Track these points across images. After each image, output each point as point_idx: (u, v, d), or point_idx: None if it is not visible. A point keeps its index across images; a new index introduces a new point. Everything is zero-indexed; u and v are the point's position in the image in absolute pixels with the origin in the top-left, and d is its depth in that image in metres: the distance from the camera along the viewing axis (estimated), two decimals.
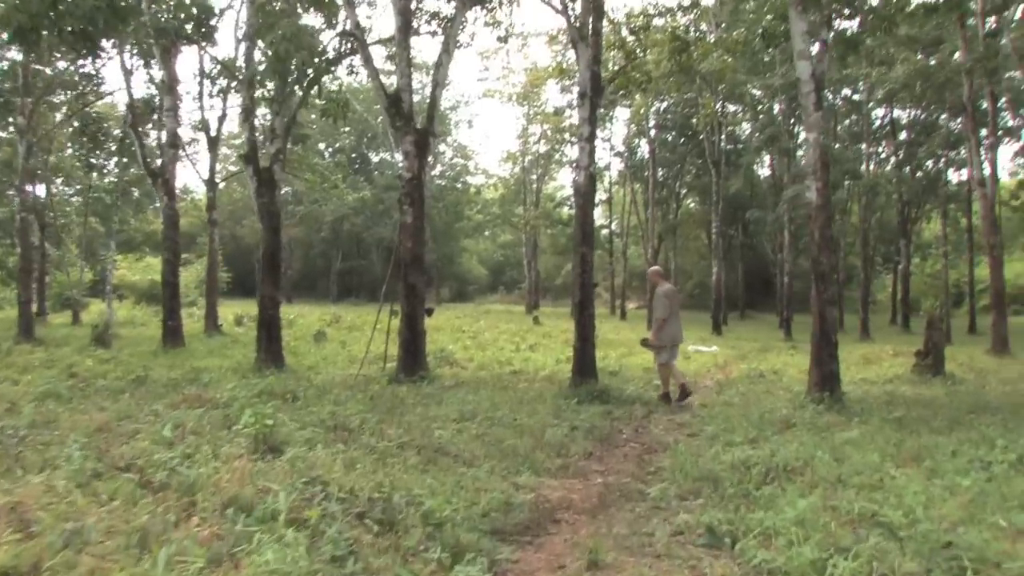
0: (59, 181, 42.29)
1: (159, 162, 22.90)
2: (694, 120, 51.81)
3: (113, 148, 29.85)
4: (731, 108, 47.56)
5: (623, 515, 6.33)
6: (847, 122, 47.80)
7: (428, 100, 16.36)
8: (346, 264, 76.21)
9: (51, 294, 39.15)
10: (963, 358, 22.01)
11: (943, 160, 47.40)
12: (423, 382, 14.13)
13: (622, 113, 56.66)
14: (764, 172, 58.36)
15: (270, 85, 17.12)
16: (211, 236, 30.93)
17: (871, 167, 45.34)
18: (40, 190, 35.27)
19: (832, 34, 13.15)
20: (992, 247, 28.44)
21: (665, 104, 54.49)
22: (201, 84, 29.52)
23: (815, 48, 12.34)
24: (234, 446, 7.17)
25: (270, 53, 14.00)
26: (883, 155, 48.70)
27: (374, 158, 78.31)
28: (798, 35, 12.17)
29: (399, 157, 15.69)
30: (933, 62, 34.35)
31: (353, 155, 77.59)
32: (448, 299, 78.48)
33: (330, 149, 75.08)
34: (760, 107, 47.97)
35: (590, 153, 14.01)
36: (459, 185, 78.43)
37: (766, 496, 6.28)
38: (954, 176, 48.18)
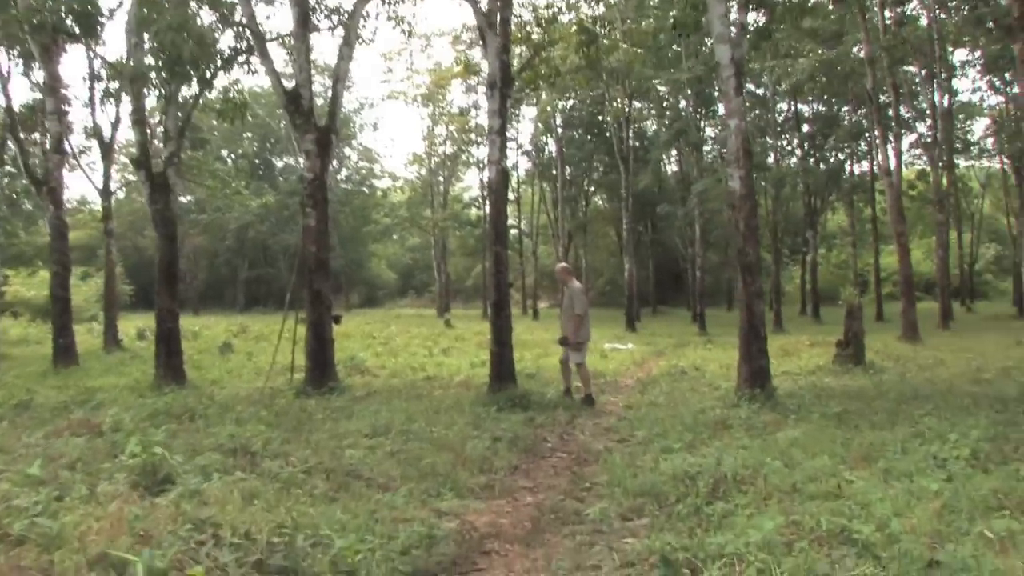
0: None
1: (45, 169, 21.52)
2: (601, 117, 51.85)
3: None
4: (637, 105, 47.37)
5: (561, 542, 5.63)
6: (752, 116, 48.00)
7: (330, 97, 15.50)
8: (253, 272, 74.64)
9: None
10: (878, 346, 21.91)
11: (846, 152, 48.21)
12: (333, 394, 13.34)
13: (528, 112, 56.33)
14: (671, 168, 58.71)
15: (160, 84, 16.05)
16: (108, 247, 29.56)
17: (777, 160, 45.71)
18: None
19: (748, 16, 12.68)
20: (899, 235, 28.63)
21: (572, 102, 54.44)
22: (92, 87, 28.14)
23: (733, 31, 11.84)
24: (115, 482, 6.27)
25: (155, 46, 12.97)
26: (788, 148, 49.13)
27: (278, 163, 76.79)
28: (716, 18, 11.66)
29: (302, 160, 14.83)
30: (835, 54, 34.42)
31: (256, 161, 75.97)
32: (357, 305, 77.34)
33: (232, 155, 73.30)
34: (666, 103, 48.10)
35: (501, 147, 13.30)
36: (365, 189, 77.43)
37: (719, 513, 5.62)
38: (856, 167, 49.13)
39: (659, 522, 5.76)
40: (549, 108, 50.07)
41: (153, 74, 15.17)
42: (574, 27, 20.74)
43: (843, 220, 59.23)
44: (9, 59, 22.98)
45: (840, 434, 8.31)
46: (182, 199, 68.61)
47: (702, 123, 46.55)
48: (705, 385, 14.78)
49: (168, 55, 12.63)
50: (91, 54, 24.95)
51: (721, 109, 50.65)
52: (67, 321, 20.40)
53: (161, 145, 16.70)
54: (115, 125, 29.04)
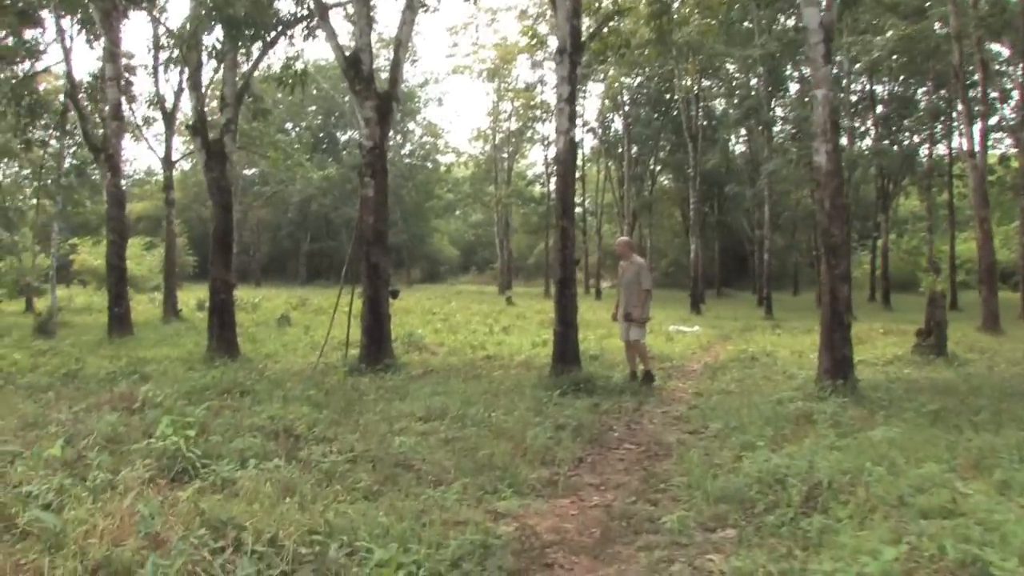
0: (5, 162, 40.50)
1: (104, 135, 21.19)
2: (669, 96, 50.98)
3: (52, 123, 27.87)
4: (706, 83, 46.25)
5: (635, 556, 4.88)
6: None
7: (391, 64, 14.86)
8: (315, 245, 74.85)
9: (5, 281, 37.36)
10: (958, 336, 20.80)
11: (923, 134, 46.61)
12: (388, 372, 12.80)
13: (595, 88, 55.45)
14: (739, 149, 57.50)
15: (215, 49, 15.53)
16: (168, 218, 29.38)
17: (851, 141, 44.25)
18: None
19: None
20: (982, 220, 27.33)
21: (639, 79, 53.54)
22: (156, 56, 27.85)
23: None
24: (139, 468, 5.73)
25: (209, 4, 12.40)
26: (861, 129, 47.54)
27: (342, 137, 76.43)
28: None
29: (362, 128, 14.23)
30: (919, 29, 32.96)
31: (321, 135, 75.88)
32: (419, 280, 77.07)
33: (296, 128, 73.29)
34: (736, 81, 46.97)
35: (570, 116, 12.53)
36: (428, 164, 76.97)
37: (817, 528, 4.82)
38: (932, 150, 47.47)
39: (747, 536, 4.99)
40: (616, 84, 49.04)
41: (209, 37, 14.63)
42: None
43: (915, 205, 57.59)
44: (71, 24, 22.70)
45: (942, 436, 7.45)
46: (246, 172, 69.22)
47: (773, 102, 45.25)
48: (779, 373, 13.94)
49: (221, 13, 12.06)
50: (155, 21, 24.62)
51: (792, 89, 50.10)
52: (122, 290, 20.11)
53: (218, 111, 16.15)
54: (178, 95, 28.67)
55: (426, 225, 79.35)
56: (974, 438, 7.31)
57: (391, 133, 58.73)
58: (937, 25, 31.75)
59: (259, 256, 73.22)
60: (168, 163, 29.51)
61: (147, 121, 30.75)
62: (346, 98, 68.11)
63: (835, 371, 10.48)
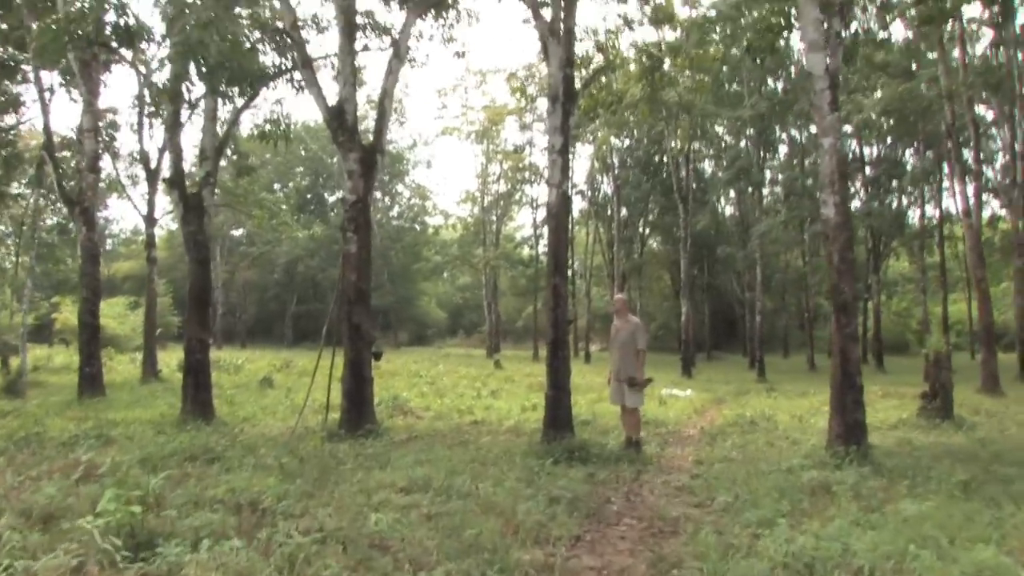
0: None
1: (79, 188, 20.50)
2: (658, 158, 50.97)
3: (29, 178, 27.27)
4: (696, 146, 46.07)
5: None
6: (808, 161, 46.56)
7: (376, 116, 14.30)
8: (302, 307, 74.07)
9: None
10: (959, 398, 20.13)
11: (911, 195, 46.55)
12: (369, 437, 12.05)
13: (584, 151, 55.33)
14: (727, 211, 57.37)
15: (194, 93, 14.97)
16: (150, 276, 28.83)
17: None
18: None
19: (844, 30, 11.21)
20: (979, 280, 26.89)
21: (628, 142, 53.55)
22: (140, 112, 27.39)
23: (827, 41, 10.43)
24: (69, 553, 4.98)
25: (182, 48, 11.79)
26: (850, 191, 47.35)
27: (329, 198, 76.13)
28: (809, 24, 10.22)
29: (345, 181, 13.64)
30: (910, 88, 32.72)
31: (308, 195, 75.64)
32: (406, 343, 76.24)
33: (283, 188, 72.97)
34: (724, 143, 46.89)
35: (563, 168, 11.94)
36: (417, 226, 76.64)
37: None
38: (923, 211, 47.35)
39: None
40: (605, 146, 48.78)
41: (188, 86, 14.04)
42: (636, 54, 19.62)
43: (904, 266, 57.45)
44: (51, 75, 22.15)
45: (980, 511, 6.77)
46: (234, 232, 68.75)
47: (763, 164, 45.11)
48: (782, 439, 13.25)
49: (195, 55, 11.45)
50: (138, 74, 24.14)
51: (782, 151, 49.99)
52: (95, 349, 19.38)
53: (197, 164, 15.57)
54: (161, 152, 28.11)
55: (413, 287, 78.70)
56: (1017, 513, 6.60)
57: (379, 194, 58.58)
58: (923, 86, 31.52)
59: (245, 317, 72.50)
60: (151, 221, 28.95)
61: (132, 179, 30.23)
62: (334, 159, 68.01)
63: (847, 436, 9.78)
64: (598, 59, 18.67)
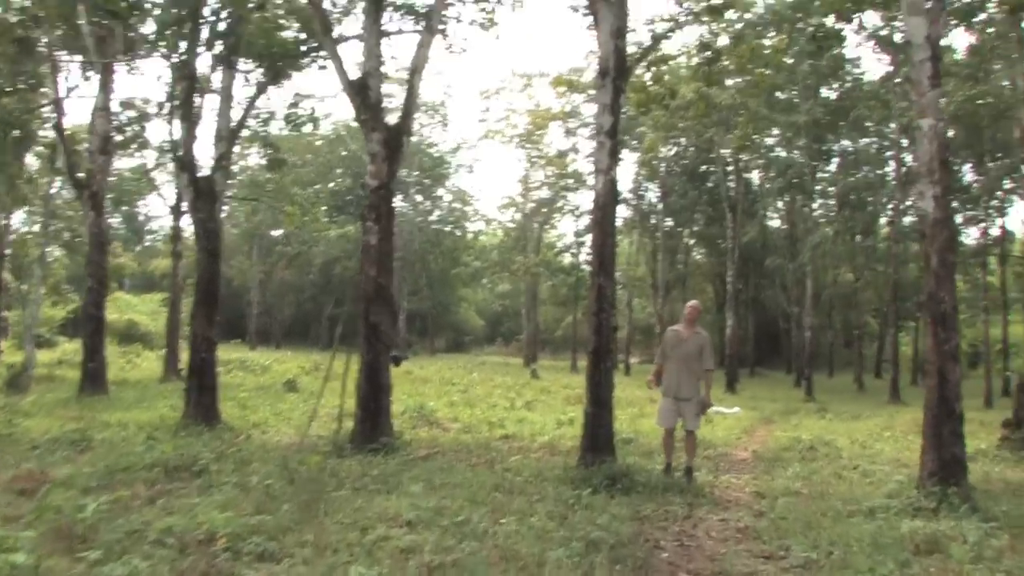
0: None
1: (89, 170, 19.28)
2: (705, 168, 49.64)
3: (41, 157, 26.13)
4: (744, 157, 44.45)
5: None
6: (864, 171, 44.66)
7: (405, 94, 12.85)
8: (339, 309, 73.03)
9: (14, 331, 35.59)
10: None
11: (968, 209, 44.57)
12: (382, 453, 10.67)
13: (629, 157, 53.92)
14: (774, 224, 55.71)
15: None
16: (175, 270, 27.60)
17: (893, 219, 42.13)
18: None
19: None
20: None
21: (675, 149, 52.17)
22: (171, 98, 26.30)
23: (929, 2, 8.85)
24: None
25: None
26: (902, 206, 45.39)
27: None
28: None
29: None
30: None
31: (348, 197, 74.65)
32: (443, 350, 75.16)
33: (319, 189, 72.25)
34: (773, 154, 45.22)
35: (612, 152, 10.41)
36: (457, 231, 75.39)
37: None
38: (987, 226, 45.44)
39: None
40: (652, 151, 47.16)
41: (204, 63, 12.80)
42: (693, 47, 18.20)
43: (960, 287, 55.33)
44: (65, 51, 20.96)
45: None
46: (273, 232, 67.87)
47: (816, 170, 43.37)
48: (849, 468, 11.69)
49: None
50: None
51: (833, 163, 48.09)
52: (99, 344, 18.20)
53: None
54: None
55: (452, 293, 77.50)
56: None
57: (420, 197, 57.43)
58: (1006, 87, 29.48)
59: (281, 318, 71.63)
60: (177, 212, 27.80)
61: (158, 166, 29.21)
62: None
63: (944, 474, 8.13)
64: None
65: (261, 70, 14.44)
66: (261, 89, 15.16)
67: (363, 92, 11.74)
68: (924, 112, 8.47)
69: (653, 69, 17.28)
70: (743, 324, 52.93)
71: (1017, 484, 10.44)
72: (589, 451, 9.97)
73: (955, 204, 41.96)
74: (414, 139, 69.47)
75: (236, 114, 15.05)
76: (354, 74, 12.01)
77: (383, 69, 12.43)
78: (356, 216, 69.52)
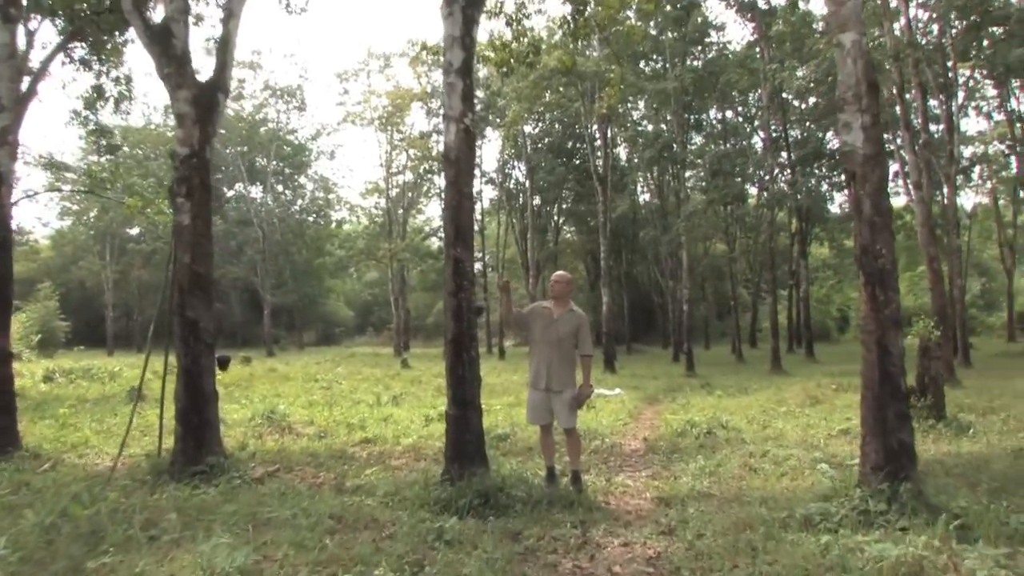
0: None
1: None
2: (571, 144, 48.82)
3: None
4: (610, 131, 43.51)
5: None
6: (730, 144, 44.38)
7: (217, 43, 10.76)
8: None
9: None
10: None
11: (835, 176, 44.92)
12: (208, 476, 8.72)
13: (493, 136, 52.57)
14: (643, 199, 55.30)
15: None
16: None
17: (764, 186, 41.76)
18: None
19: None
20: (932, 259, 24.05)
21: (540, 126, 51.33)
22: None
23: None
24: None
25: None
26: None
27: (228, 192, 72.00)
28: None
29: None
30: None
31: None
32: (313, 343, 72.64)
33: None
34: (640, 128, 44.46)
35: (464, 95, 8.41)
36: (321, 221, 72.98)
37: None
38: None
39: None
40: (516, 124, 45.62)
41: None
42: None
43: (825, 253, 55.90)
44: None
45: None
46: (130, 231, 64.28)
47: (688, 138, 42.73)
48: (758, 457, 10.19)
49: None
50: None
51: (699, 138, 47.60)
52: None
53: None
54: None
55: (319, 285, 74.96)
56: None
57: (280, 187, 54.87)
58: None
59: (142, 320, 68.21)
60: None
61: None
62: (227, 149, 64.11)
63: (893, 468, 6.54)
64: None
65: (53, 25, 12.17)
66: (54, 52, 12.88)
67: (165, 40, 9.66)
68: (845, 25, 6.89)
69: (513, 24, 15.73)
70: (617, 300, 52.00)
71: (939, 462, 9.14)
72: (454, 462, 8.03)
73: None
74: (271, 126, 66.97)
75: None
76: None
77: (193, 16, 10.40)
78: (215, 211, 66.68)
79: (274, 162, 66.97)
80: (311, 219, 72.90)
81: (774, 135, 38.53)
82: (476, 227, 58.75)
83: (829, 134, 43.33)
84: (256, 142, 66.25)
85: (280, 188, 71.62)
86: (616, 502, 8.05)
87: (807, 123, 44.34)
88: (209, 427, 9.51)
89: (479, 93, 49.36)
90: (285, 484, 8.80)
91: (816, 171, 45.54)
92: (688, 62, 38.64)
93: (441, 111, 51.36)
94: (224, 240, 62.59)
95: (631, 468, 10.20)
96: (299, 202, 73.76)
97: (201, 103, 9.73)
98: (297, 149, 69.41)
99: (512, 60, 16.18)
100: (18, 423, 11.74)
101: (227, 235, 62.51)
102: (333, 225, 73.17)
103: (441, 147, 51.81)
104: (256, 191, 69.74)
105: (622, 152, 52.27)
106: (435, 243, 62.72)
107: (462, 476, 7.79)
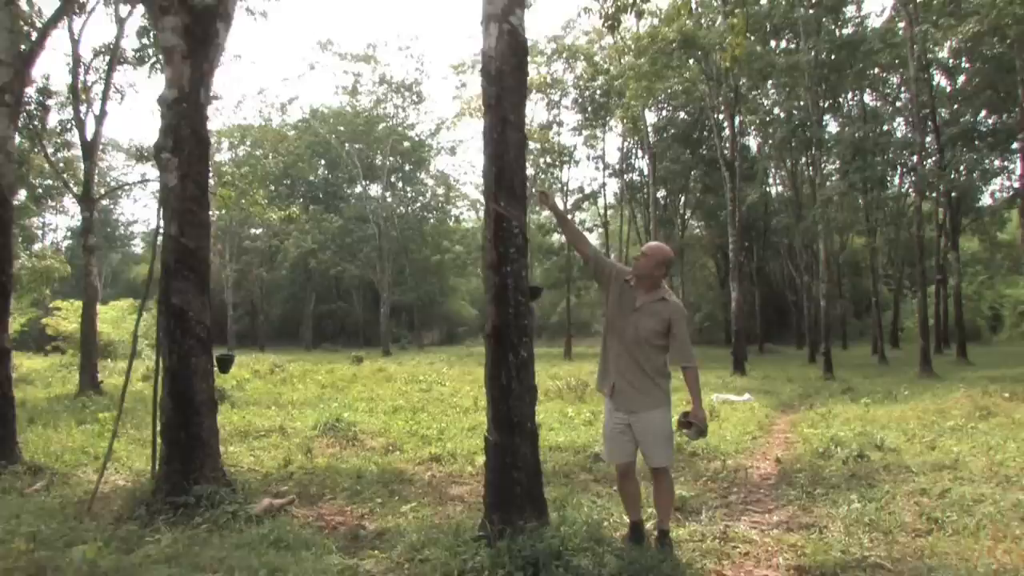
0: None
1: None
2: (697, 135, 46.22)
3: None
4: (738, 119, 40.59)
5: None
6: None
7: None
8: (324, 307, 70.00)
9: None
10: None
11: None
12: (187, 512, 6.61)
13: (614, 126, 50.60)
14: (774, 191, 52.58)
15: None
16: (87, 267, 23.06)
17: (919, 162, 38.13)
18: None
19: None
20: None
21: (664, 113, 49.01)
22: (75, 72, 22.36)
23: None
24: None
25: None
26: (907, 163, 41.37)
27: (348, 190, 71.62)
28: None
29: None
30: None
31: (329, 190, 71.60)
32: (436, 343, 71.68)
33: (302, 183, 69.28)
34: (768, 116, 41.52)
35: None
36: (443, 217, 72.16)
37: None
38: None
39: None
40: (636, 100, 42.73)
41: None
42: None
43: (974, 246, 51.75)
44: None
45: None
46: (254, 231, 63.98)
47: (824, 118, 39.38)
48: (936, 496, 7.44)
49: None
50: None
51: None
52: None
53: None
54: (100, 119, 23.03)
55: (441, 283, 73.71)
56: None
57: (401, 183, 53.19)
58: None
59: (267, 319, 68.18)
60: (88, 202, 23.37)
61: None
62: (345, 145, 63.30)
63: None
64: None
65: None
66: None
67: None
68: None
69: None
70: (748, 298, 48.84)
71: None
72: (496, 510, 5.50)
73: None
74: (389, 123, 65.58)
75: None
76: None
77: None
78: (333, 209, 66.04)
79: (391, 158, 65.83)
80: (431, 216, 71.88)
81: (923, 110, 34.74)
82: (598, 221, 56.98)
83: (981, 114, 39.59)
84: (373, 138, 65.12)
85: (400, 185, 70.76)
86: (733, 573, 5.51)
87: (956, 103, 40.37)
88: (200, 446, 7.31)
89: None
90: (289, 525, 6.55)
91: (966, 155, 41.51)
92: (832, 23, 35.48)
93: (561, 101, 49.43)
94: (340, 237, 61.86)
95: (758, 508, 7.62)
96: (419, 200, 72.80)
97: (195, 34, 7.54)
98: (416, 145, 68.19)
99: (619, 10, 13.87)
100: (16, 433, 9.92)
101: (342, 232, 61.79)
102: (452, 222, 71.80)
103: (560, 139, 49.73)
104: (375, 188, 68.82)
105: (752, 142, 49.67)
106: (556, 238, 60.62)
107: (504, 532, 5.29)
